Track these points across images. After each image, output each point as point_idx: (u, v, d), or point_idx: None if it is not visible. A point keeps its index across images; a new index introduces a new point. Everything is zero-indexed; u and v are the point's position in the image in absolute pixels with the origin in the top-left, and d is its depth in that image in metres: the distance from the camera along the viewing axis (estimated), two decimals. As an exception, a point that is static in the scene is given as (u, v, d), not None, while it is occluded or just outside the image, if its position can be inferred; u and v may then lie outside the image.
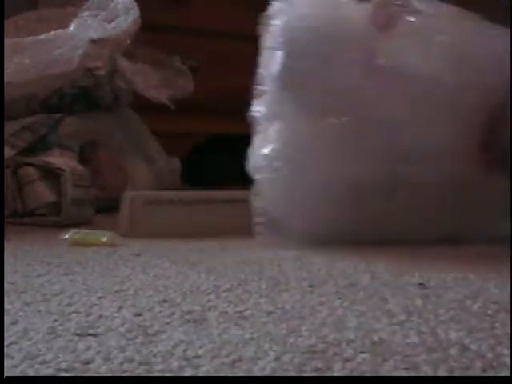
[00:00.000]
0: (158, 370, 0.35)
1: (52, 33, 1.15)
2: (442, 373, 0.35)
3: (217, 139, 1.98)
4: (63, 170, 1.04)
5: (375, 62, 0.82)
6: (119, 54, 1.26)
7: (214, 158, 2.02)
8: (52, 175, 1.06)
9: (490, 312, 0.48)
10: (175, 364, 0.36)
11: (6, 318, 0.45)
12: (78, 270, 0.65)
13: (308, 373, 0.35)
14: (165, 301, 0.51)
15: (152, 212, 0.89)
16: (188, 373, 0.35)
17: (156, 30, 1.68)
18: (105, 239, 0.80)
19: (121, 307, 0.49)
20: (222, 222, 0.89)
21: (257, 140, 0.86)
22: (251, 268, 0.66)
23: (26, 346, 0.39)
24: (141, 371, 0.35)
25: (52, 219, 1.03)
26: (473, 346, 0.40)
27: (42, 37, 1.14)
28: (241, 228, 0.85)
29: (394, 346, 0.40)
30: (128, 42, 1.24)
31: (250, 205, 0.86)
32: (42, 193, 1.06)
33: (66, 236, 0.80)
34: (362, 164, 0.80)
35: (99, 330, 0.43)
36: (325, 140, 0.81)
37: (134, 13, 1.21)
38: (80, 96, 1.25)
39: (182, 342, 0.40)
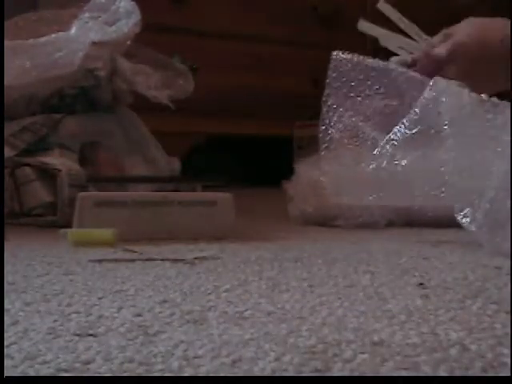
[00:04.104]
0: (157, 370, 0.35)
1: (53, 35, 1.15)
2: (441, 373, 0.35)
3: (217, 139, 1.98)
4: (59, 171, 1.04)
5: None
6: (119, 55, 1.26)
7: (214, 157, 2.02)
8: (49, 175, 1.06)
9: (489, 312, 0.48)
10: (175, 364, 0.36)
11: (6, 318, 0.45)
12: (77, 270, 0.65)
13: (308, 373, 0.35)
14: (165, 301, 0.51)
15: (101, 214, 0.84)
16: (188, 373, 0.35)
17: (156, 30, 1.68)
18: (105, 235, 0.80)
19: (121, 307, 0.49)
20: (175, 225, 0.85)
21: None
22: (251, 268, 0.66)
23: (26, 346, 0.39)
24: (141, 371, 0.35)
25: (49, 219, 1.03)
26: (473, 346, 0.40)
27: (43, 39, 1.14)
28: (193, 231, 0.83)
29: (393, 346, 0.40)
30: (128, 43, 1.24)
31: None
32: (39, 193, 1.06)
33: (67, 233, 0.81)
34: None
35: (99, 330, 0.43)
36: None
37: (136, 16, 1.21)
38: (80, 96, 1.25)
39: (182, 342, 0.40)
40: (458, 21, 1.09)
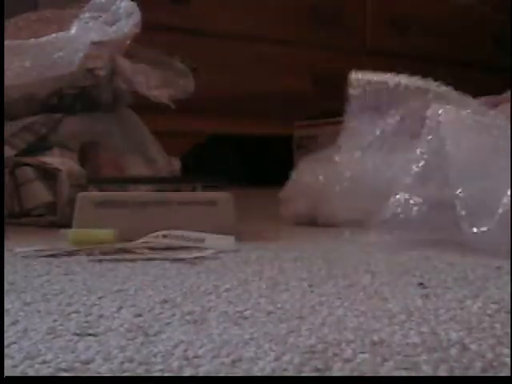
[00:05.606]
0: (157, 370, 0.35)
1: (53, 35, 1.15)
2: (441, 373, 0.35)
3: (217, 139, 1.98)
4: (59, 171, 1.04)
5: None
6: (119, 55, 1.27)
7: (214, 157, 2.02)
8: (49, 175, 1.06)
9: (489, 312, 0.48)
10: (175, 364, 0.36)
11: (6, 318, 0.45)
12: (77, 269, 0.65)
13: (307, 373, 0.35)
14: (165, 301, 0.51)
15: (101, 214, 0.84)
16: (188, 373, 0.35)
17: (156, 29, 1.68)
18: (105, 235, 0.80)
19: (121, 307, 0.49)
20: (175, 225, 0.83)
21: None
22: (251, 268, 0.66)
23: (25, 346, 0.39)
24: (141, 371, 0.35)
25: (49, 219, 1.03)
26: (473, 346, 0.40)
27: (43, 39, 1.15)
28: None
29: (394, 346, 0.40)
30: (128, 43, 1.24)
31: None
32: (39, 193, 1.06)
33: (67, 233, 0.80)
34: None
35: (99, 329, 0.43)
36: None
37: (136, 16, 1.21)
38: (80, 96, 1.25)
39: (182, 342, 0.40)
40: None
